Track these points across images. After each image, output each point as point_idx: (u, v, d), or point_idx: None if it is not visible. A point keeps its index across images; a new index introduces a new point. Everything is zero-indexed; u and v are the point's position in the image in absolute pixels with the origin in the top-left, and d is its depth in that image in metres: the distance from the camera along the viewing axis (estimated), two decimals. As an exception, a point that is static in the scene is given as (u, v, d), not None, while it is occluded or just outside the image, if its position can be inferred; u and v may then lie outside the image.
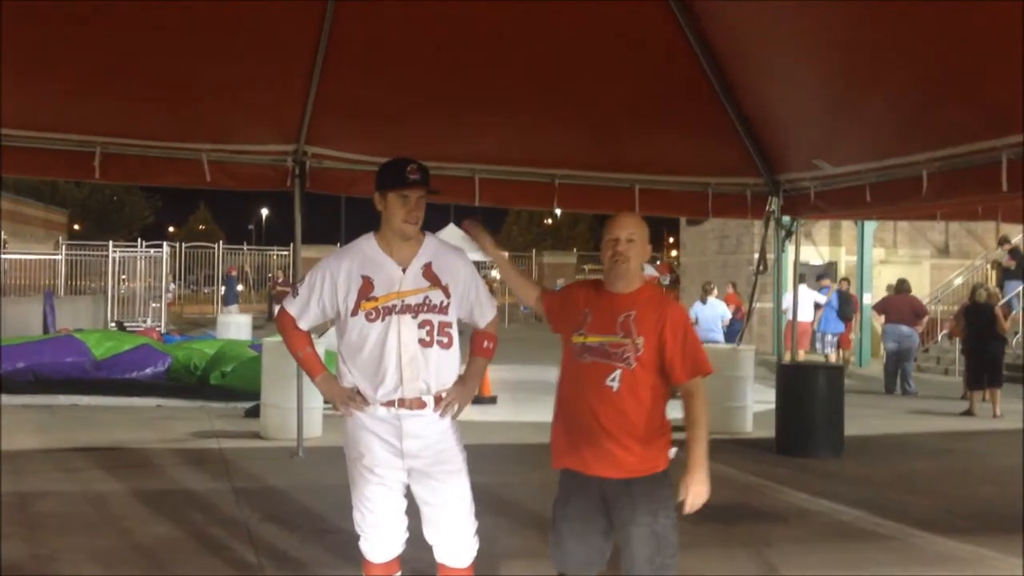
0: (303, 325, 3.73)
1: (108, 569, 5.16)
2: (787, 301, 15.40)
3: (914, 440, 10.45)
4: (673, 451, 3.42)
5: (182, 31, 6.47)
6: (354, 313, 3.57)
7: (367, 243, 3.67)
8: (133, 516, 6.29)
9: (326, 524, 6.05)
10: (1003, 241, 17.88)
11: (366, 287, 3.57)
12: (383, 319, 3.54)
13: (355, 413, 3.62)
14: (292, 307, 3.73)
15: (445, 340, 3.61)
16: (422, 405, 3.58)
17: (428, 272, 3.61)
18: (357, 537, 3.76)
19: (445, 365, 3.62)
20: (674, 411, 3.44)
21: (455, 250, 3.80)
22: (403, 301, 3.55)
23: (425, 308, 3.57)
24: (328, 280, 3.63)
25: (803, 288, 14.33)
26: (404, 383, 3.54)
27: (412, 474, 3.64)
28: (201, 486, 7.24)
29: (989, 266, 17.26)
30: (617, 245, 3.42)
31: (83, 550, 5.45)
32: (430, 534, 3.70)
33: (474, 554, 3.74)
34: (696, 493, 3.25)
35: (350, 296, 3.58)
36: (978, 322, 12.45)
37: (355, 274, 3.59)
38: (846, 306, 16.62)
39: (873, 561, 5.65)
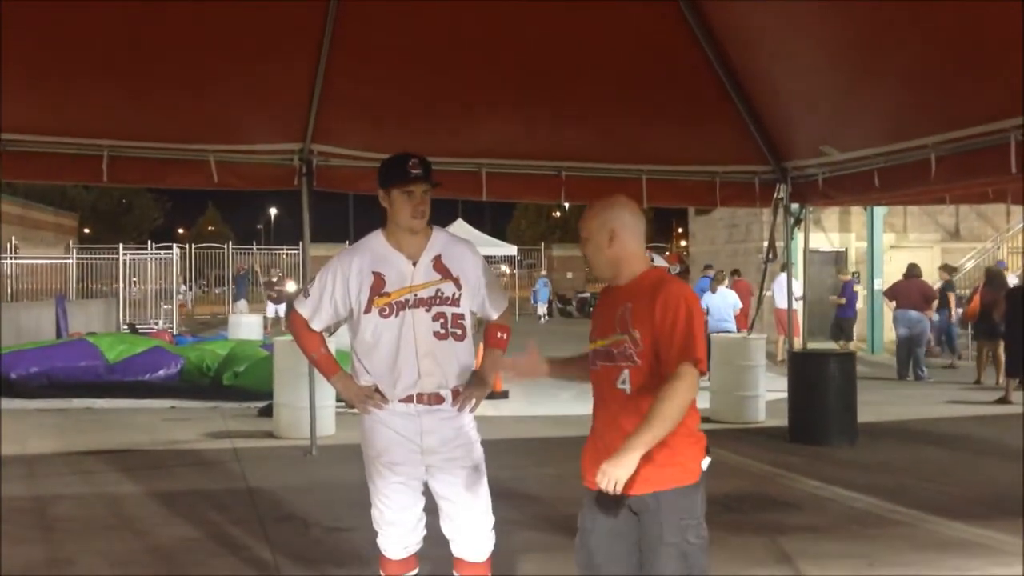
0: (316, 326, 3.72)
1: (126, 571, 5.19)
2: (773, 288, 15.38)
3: (928, 426, 10.39)
4: (707, 461, 3.05)
5: (186, 32, 6.47)
6: (367, 310, 3.57)
7: (376, 240, 3.67)
8: (149, 518, 6.31)
9: (341, 522, 6.06)
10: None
11: (378, 283, 3.57)
12: (397, 314, 3.54)
13: (372, 410, 3.63)
14: (304, 308, 3.72)
15: (459, 332, 3.61)
16: (440, 400, 3.58)
17: (439, 264, 3.62)
18: (374, 534, 3.77)
19: (460, 357, 3.62)
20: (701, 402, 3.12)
21: (464, 242, 3.80)
22: (415, 295, 3.56)
23: (438, 301, 3.58)
24: (339, 278, 3.62)
25: (783, 276, 14.32)
26: (422, 376, 3.55)
27: (430, 470, 3.65)
28: (216, 486, 7.27)
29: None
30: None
31: (100, 553, 5.48)
32: (447, 529, 3.71)
33: (491, 548, 3.74)
34: (605, 473, 2.79)
35: (362, 294, 3.58)
36: (1020, 306, 12.15)
37: (366, 271, 3.59)
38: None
39: (887, 547, 5.63)
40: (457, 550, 3.72)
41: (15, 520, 6.11)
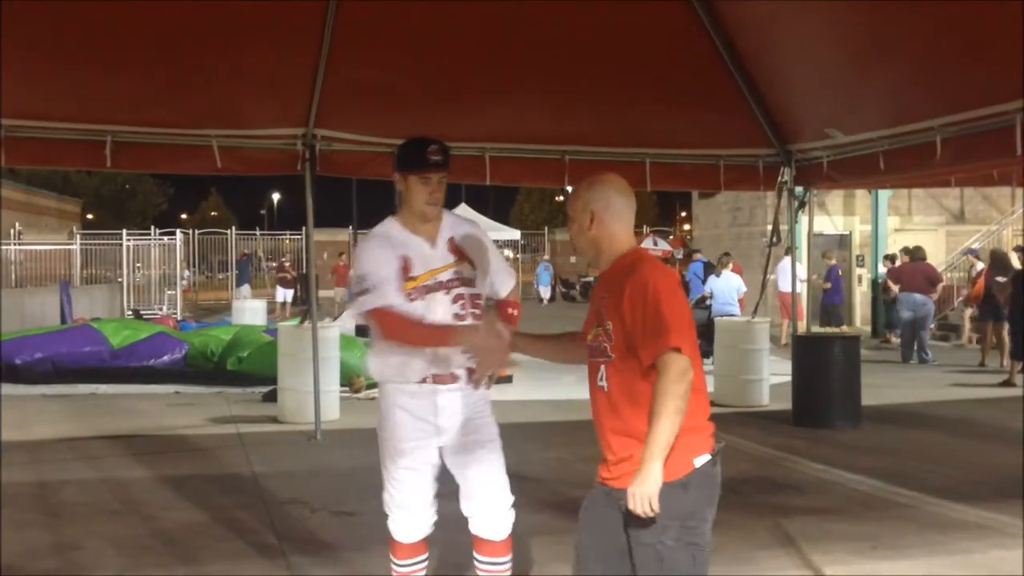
0: (398, 299, 3.50)
1: (131, 556, 5.21)
2: (777, 272, 15.37)
3: (931, 409, 10.41)
4: (702, 459, 2.75)
5: (188, 17, 6.44)
6: None
7: (392, 226, 3.65)
8: (154, 502, 6.33)
9: (346, 507, 6.08)
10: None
11: (405, 267, 3.57)
12: (422, 298, 3.55)
13: (389, 391, 3.62)
14: (378, 298, 3.49)
15: (478, 312, 3.64)
16: (454, 379, 3.60)
17: (453, 246, 3.64)
18: (379, 518, 3.77)
19: None
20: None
21: (469, 222, 3.83)
22: (436, 278, 3.58)
23: (457, 283, 3.60)
24: (385, 252, 3.53)
25: (787, 260, 14.30)
26: (437, 358, 3.55)
27: (447, 449, 3.66)
28: (220, 471, 7.29)
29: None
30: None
31: (106, 537, 5.50)
32: (466, 507, 3.71)
33: (510, 527, 3.73)
34: (634, 495, 2.62)
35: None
36: None
37: (394, 255, 3.58)
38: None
39: (891, 529, 5.65)
40: (476, 528, 3.72)
41: (20, 505, 6.14)
